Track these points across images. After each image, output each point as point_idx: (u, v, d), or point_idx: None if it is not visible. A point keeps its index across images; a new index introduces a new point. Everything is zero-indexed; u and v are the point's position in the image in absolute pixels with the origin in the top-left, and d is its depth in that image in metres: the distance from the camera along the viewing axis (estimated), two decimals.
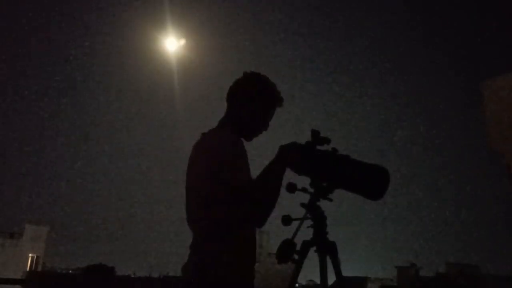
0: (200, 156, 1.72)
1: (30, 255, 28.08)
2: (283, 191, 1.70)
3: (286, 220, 1.62)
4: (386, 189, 1.64)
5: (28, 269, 26.72)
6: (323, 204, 1.70)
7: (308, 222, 1.67)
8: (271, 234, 27.90)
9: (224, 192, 1.61)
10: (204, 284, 1.59)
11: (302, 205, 1.68)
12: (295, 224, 1.64)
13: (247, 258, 1.70)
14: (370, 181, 1.64)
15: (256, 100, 1.79)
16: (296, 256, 1.61)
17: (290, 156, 1.69)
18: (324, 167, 1.71)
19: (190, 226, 1.74)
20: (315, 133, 1.74)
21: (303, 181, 1.73)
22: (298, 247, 1.62)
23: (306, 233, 1.67)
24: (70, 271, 31.81)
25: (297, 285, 1.88)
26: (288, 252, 1.58)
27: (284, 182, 1.74)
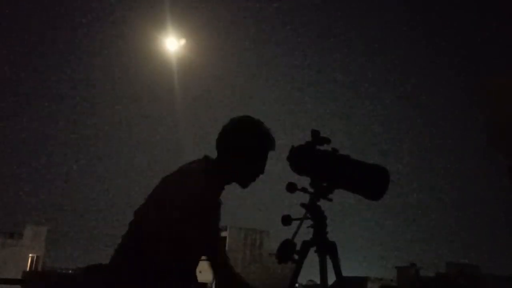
0: (172, 192, 1.62)
1: (30, 255, 28.11)
2: (283, 191, 1.70)
3: (286, 220, 1.62)
4: (386, 189, 1.64)
5: (28, 269, 26.74)
6: (323, 204, 1.70)
7: (308, 222, 1.67)
8: (271, 234, 27.92)
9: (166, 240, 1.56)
10: None
11: (302, 205, 1.68)
12: (295, 224, 1.64)
13: None
14: (370, 181, 1.64)
15: (249, 152, 1.72)
16: (296, 256, 1.61)
17: None
18: (324, 167, 1.71)
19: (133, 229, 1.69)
20: (315, 133, 1.75)
21: (303, 181, 1.73)
22: (298, 247, 1.62)
23: (306, 233, 1.68)
24: (70, 271, 31.78)
25: (297, 285, 1.88)
26: (288, 252, 1.58)
27: (284, 182, 1.75)
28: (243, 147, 1.71)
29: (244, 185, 1.78)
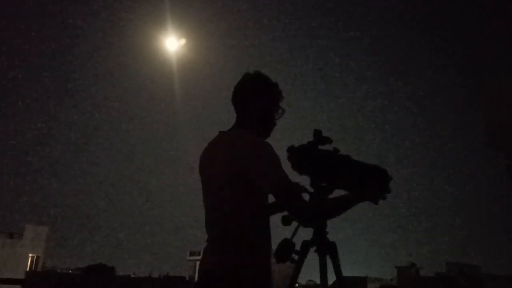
0: (238, 155, 1.64)
1: (30, 255, 28.10)
2: None
3: (286, 220, 1.62)
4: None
5: (28, 269, 26.72)
6: None
7: None
8: (271, 234, 27.86)
9: (257, 192, 1.62)
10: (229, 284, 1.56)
11: None
12: (295, 224, 1.63)
13: (267, 259, 1.68)
14: (369, 182, 1.63)
15: (263, 97, 1.81)
16: (295, 256, 1.61)
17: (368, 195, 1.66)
18: (324, 167, 1.71)
19: (218, 221, 1.69)
20: (317, 133, 1.74)
21: (303, 181, 1.73)
22: (298, 247, 1.62)
23: (306, 233, 1.67)
24: (70, 271, 31.79)
25: (297, 285, 1.87)
26: (286, 252, 1.58)
27: None
28: (259, 93, 1.80)
29: (266, 134, 1.84)
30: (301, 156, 1.76)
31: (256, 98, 1.80)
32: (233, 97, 1.84)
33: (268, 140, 1.87)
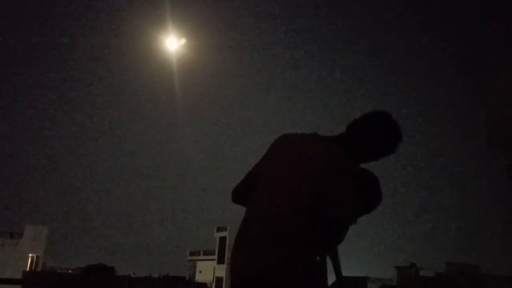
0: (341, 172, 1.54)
1: (30, 255, 28.12)
2: None
3: None
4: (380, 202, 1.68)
5: (28, 269, 26.74)
6: None
7: None
8: None
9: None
10: None
11: None
12: None
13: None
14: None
15: (381, 147, 1.76)
16: None
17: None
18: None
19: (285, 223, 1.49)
20: None
21: None
22: None
23: None
24: (70, 271, 31.81)
25: None
26: None
27: None
28: (378, 146, 1.75)
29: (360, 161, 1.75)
30: None
31: (373, 145, 1.73)
32: (355, 124, 1.75)
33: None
